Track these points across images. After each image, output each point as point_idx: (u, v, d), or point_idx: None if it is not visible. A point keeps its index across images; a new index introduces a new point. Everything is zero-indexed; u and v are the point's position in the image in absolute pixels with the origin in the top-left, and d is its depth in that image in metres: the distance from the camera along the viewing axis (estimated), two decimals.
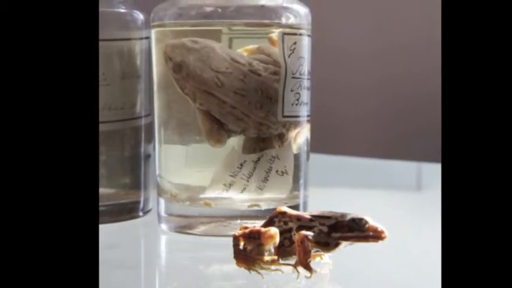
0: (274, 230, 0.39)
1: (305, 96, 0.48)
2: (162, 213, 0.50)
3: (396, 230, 0.40)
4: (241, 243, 0.39)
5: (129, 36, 0.52)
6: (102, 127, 0.49)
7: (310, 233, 0.39)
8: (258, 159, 0.47)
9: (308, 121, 0.49)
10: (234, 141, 0.47)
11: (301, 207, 0.49)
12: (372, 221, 0.39)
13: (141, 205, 0.54)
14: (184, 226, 0.49)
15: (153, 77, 0.50)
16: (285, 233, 0.40)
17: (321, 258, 0.41)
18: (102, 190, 0.50)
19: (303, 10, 0.48)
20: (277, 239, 0.39)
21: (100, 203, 0.48)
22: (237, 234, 0.39)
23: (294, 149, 0.48)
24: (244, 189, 0.47)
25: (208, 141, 0.47)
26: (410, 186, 0.73)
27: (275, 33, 0.47)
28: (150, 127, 0.53)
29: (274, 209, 0.41)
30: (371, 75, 0.90)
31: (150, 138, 0.53)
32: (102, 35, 0.45)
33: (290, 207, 0.42)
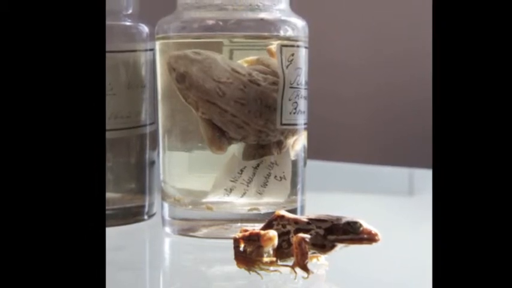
0: (273, 233, 0.39)
1: (302, 105, 0.48)
2: (166, 217, 0.50)
3: (389, 233, 0.40)
4: (242, 245, 0.39)
5: (135, 48, 0.52)
6: (108, 135, 0.49)
7: (307, 236, 0.39)
8: (258, 165, 0.47)
9: (305, 129, 0.49)
10: (235, 148, 0.47)
11: (298, 211, 0.49)
12: (366, 224, 0.39)
13: (146, 209, 0.54)
14: (187, 229, 0.49)
15: (157, 87, 0.50)
16: (283, 236, 0.40)
17: (318, 260, 0.41)
18: (109, 195, 0.50)
19: (300, 23, 0.48)
20: (276, 241, 0.39)
21: (107, 207, 0.48)
22: (237, 236, 0.39)
23: (292, 155, 0.48)
24: (244, 193, 0.47)
25: (210, 148, 0.47)
26: (403, 191, 0.73)
27: (274, 45, 0.47)
28: (154, 135, 0.53)
29: (273, 212, 0.41)
30: (365, 85, 0.90)
31: (154, 145, 0.53)
32: (108, 46, 0.45)
33: (288, 211, 0.42)
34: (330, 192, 0.68)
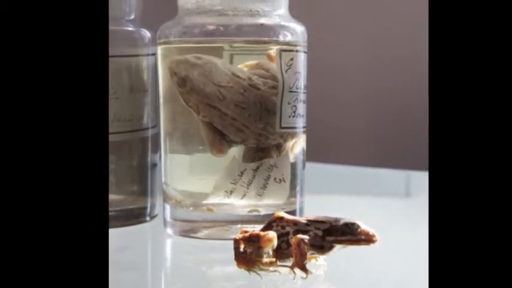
0: (272, 234, 0.39)
1: (301, 108, 0.48)
2: (168, 218, 0.50)
3: (386, 234, 0.40)
4: (242, 246, 0.39)
5: (137, 52, 0.52)
6: (111, 138, 0.49)
7: (306, 237, 0.39)
8: (257, 167, 0.47)
9: (304, 132, 0.49)
10: (235, 151, 0.47)
11: (297, 212, 0.49)
12: (363, 226, 0.39)
13: (148, 210, 0.54)
14: (188, 230, 0.49)
15: (159, 91, 0.50)
16: (282, 237, 0.40)
17: (316, 260, 0.41)
18: (111, 196, 0.50)
19: (299, 28, 0.48)
20: (275, 242, 0.39)
21: (110, 209, 0.48)
22: (237, 237, 0.39)
23: (291, 158, 0.48)
24: (244, 195, 0.47)
25: (210, 151, 0.47)
26: (400, 193, 0.73)
27: (273, 50, 0.47)
28: (156, 138, 0.53)
29: (273, 214, 0.41)
30: (363, 89, 0.90)
31: (156, 148, 0.54)
32: (111, 51, 0.45)
33: (287, 212, 0.42)
34: (328, 194, 0.68)
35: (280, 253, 0.40)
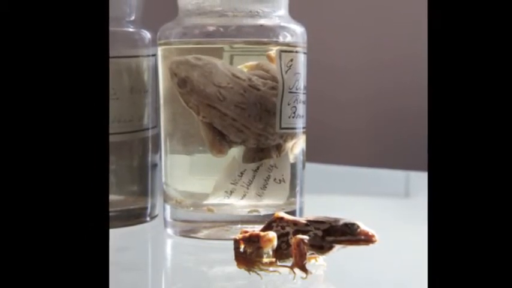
0: (272, 234, 0.39)
1: (301, 109, 0.48)
2: (168, 219, 0.50)
3: (386, 234, 0.40)
4: (242, 246, 0.39)
5: (137, 53, 0.52)
6: (112, 138, 0.49)
7: (305, 237, 0.39)
8: (257, 168, 0.47)
9: (304, 133, 0.49)
10: (235, 152, 0.47)
11: (297, 212, 0.49)
12: (363, 226, 0.39)
13: (148, 211, 0.54)
14: (188, 230, 0.49)
15: (159, 92, 0.50)
16: (282, 237, 0.40)
17: (316, 261, 0.41)
18: (112, 197, 0.50)
19: (299, 29, 0.48)
20: (275, 243, 0.39)
21: (110, 209, 0.48)
22: (237, 238, 0.39)
23: (291, 158, 0.48)
24: (244, 196, 0.47)
25: (211, 152, 0.47)
26: (399, 193, 0.73)
27: (273, 51, 0.47)
28: (156, 138, 0.53)
29: (273, 214, 0.41)
30: (362, 90, 0.90)
31: (156, 148, 0.54)
32: (112, 52, 0.45)
33: (287, 212, 0.42)
34: (328, 194, 0.68)
35: (280, 253, 0.40)
